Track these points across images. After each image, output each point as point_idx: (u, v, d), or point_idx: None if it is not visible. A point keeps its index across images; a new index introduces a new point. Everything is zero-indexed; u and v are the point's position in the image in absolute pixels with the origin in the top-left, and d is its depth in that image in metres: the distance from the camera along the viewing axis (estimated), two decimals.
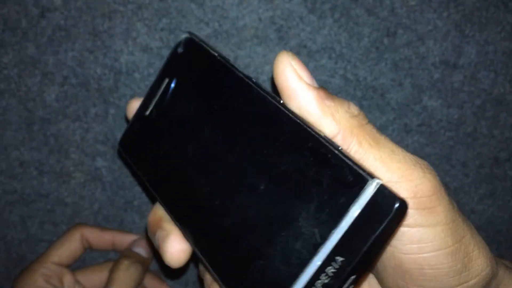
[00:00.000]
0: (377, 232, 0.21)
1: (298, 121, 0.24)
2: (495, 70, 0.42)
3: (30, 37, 0.40)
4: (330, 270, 0.21)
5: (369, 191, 0.21)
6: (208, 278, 0.30)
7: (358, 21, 0.41)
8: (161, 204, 0.30)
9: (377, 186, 0.21)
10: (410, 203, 0.23)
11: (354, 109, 0.25)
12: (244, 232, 0.25)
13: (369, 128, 0.25)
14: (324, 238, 0.22)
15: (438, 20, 0.41)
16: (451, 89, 0.43)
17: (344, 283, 0.21)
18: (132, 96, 0.42)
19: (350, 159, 0.22)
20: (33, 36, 0.40)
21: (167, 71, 0.30)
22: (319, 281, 0.22)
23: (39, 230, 0.45)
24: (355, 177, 0.21)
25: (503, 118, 0.44)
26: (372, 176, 0.22)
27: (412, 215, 0.24)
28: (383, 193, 0.21)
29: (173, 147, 0.29)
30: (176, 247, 0.28)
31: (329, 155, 0.22)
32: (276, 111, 0.25)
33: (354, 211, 0.21)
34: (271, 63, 0.41)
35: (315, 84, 0.26)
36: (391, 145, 0.25)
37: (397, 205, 0.21)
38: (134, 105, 0.33)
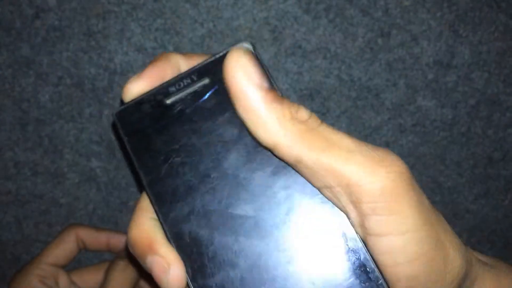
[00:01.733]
0: None
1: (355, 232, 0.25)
2: (489, 70, 0.43)
3: (24, 37, 0.40)
4: None
5: None
6: None
7: (353, 21, 0.41)
8: (157, 217, 0.27)
9: None
10: (369, 209, 0.23)
11: (304, 114, 0.24)
12: None
13: (322, 129, 0.24)
14: None
15: (432, 21, 0.41)
16: (445, 89, 0.43)
17: None
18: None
19: (384, 280, 0.24)
20: (27, 36, 0.40)
21: (212, 71, 0.27)
22: None
23: (34, 231, 0.45)
24: None
25: (496, 118, 0.44)
26: None
27: (374, 223, 0.23)
28: None
29: (192, 160, 0.27)
30: (178, 277, 0.26)
31: (369, 270, 0.24)
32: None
33: None
34: (265, 63, 0.41)
35: (265, 84, 0.24)
36: (347, 144, 0.23)
37: None
38: (138, 87, 0.28)
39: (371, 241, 0.24)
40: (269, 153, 0.25)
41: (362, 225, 0.24)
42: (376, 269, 0.24)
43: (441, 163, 0.45)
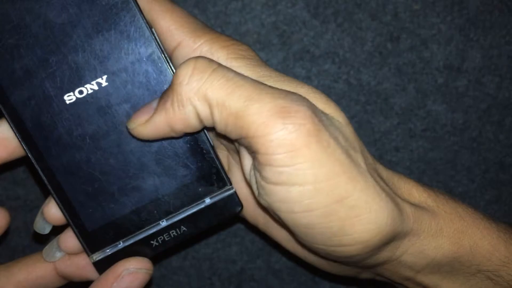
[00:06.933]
0: (216, 223, 0.28)
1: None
2: (500, 74, 0.42)
3: None
4: (173, 233, 0.28)
5: (225, 194, 0.28)
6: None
7: (361, 25, 0.41)
8: None
9: (231, 192, 0.28)
10: (264, 160, 0.23)
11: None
12: (101, 173, 0.27)
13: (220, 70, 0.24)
14: (176, 210, 0.28)
15: (442, 24, 0.41)
16: (455, 94, 0.42)
17: (178, 244, 0.29)
18: None
19: (219, 162, 0.28)
20: None
21: None
22: (161, 237, 0.28)
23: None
24: (218, 177, 0.27)
25: (508, 122, 0.43)
26: (230, 183, 0.28)
27: (270, 173, 0.23)
28: (232, 198, 0.28)
29: (28, 43, 0.25)
30: None
31: (205, 152, 0.27)
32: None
33: (207, 202, 0.28)
34: (274, 67, 0.41)
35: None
36: (248, 91, 0.23)
37: (238, 210, 0.28)
38: None
39: (269, 188, 0.23)
40: (108, 37, 0.25)
41: (261, 174, 0.24)
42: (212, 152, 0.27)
43: (452, 169, 0.44)
